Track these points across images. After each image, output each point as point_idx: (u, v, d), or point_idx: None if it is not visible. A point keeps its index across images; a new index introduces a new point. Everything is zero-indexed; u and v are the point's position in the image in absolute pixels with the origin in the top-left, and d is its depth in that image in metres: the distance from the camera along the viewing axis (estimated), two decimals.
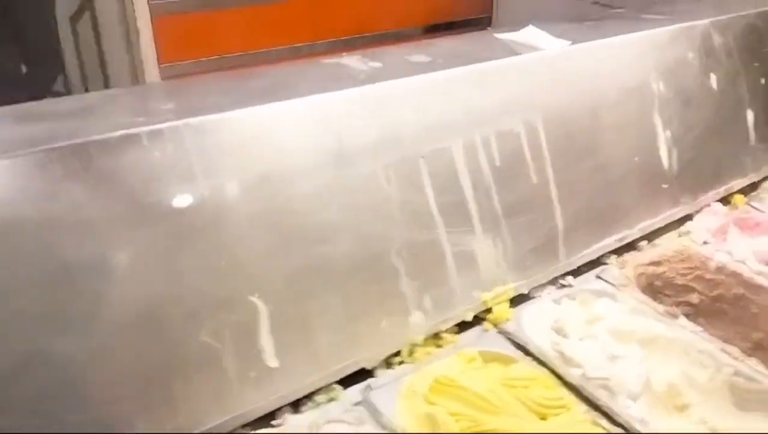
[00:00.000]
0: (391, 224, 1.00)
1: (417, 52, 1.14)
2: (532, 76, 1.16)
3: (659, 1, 1.72)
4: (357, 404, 0.96)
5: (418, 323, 1.03)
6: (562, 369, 0.99)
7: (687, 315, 1.14)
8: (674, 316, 1.13)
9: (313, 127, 0.94)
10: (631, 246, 1.33)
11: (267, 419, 0.92)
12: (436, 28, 3.70)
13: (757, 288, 1.21)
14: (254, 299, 0.88)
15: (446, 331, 1.08)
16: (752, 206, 1.51)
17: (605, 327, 1.09)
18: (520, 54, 1.18)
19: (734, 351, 1.05)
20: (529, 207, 1.16)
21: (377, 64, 1.08)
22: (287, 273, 0.91)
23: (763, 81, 1.56)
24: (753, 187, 1.58)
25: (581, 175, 1.23)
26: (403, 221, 1.01)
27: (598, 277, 1.23)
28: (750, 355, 1.04)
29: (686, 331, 1.08)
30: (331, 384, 0.96)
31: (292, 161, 0.92)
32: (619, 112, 1.27)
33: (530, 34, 1.24)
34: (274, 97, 0.93)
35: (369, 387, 0.99)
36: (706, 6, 1.59)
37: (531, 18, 1.33)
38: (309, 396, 0.95)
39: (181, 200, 0.83)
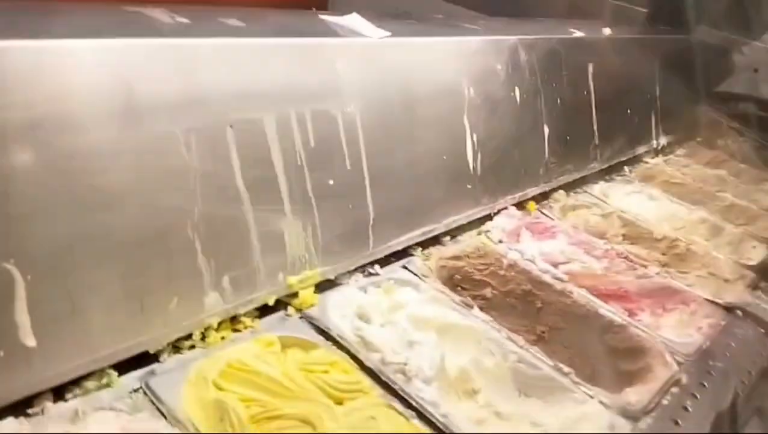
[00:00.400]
0: (189, 196, 0.91)
1: (233, 17, 1.07)
2: (352, 60, 1.15)
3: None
4: (135, 391, 0.85)
5: (214, 305, 0.95)
6: (361, 354, 0.98)
7: (481, 307, 1.19)
8: (469, 307, 1.18)
9: (99, 73, 0.82)
10: (436, 240, 1.37)
11: (22, 407, 0.78)
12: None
13: (543, 285, 1.32)
14: (9, 266, 0.74)
15: (245, 315, 1.01)
16: (542, 213, 1.65)
17: (406, 314, 1.11)
18: (343, 37, 1.16)
19: (519, 340, 1.12)
20: (342, 192, 1.14)
21: (185, 20, 0.98)
22: (55, 240, 0.78)
23: (558, 101, 1.72)
24: (544, 196, 1.73)
25: (394, 166, 1.24)
26: (204, 194, 0.92)
27: (404, 267, 1.25)
28: (533, 345, 1.12)
29: (478, 321, 1.14)
30: (105, 368, 0.84)
31: (71, 110, 0.79)
32: (432, 109, 1.31)
33: (354, 20, 1.23)
34: (54, 33, 0.80)
35: (153, 372, 0.89)
36: (517, 25, 1.72)
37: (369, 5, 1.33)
38: (77, 382, 0.83)
39: None
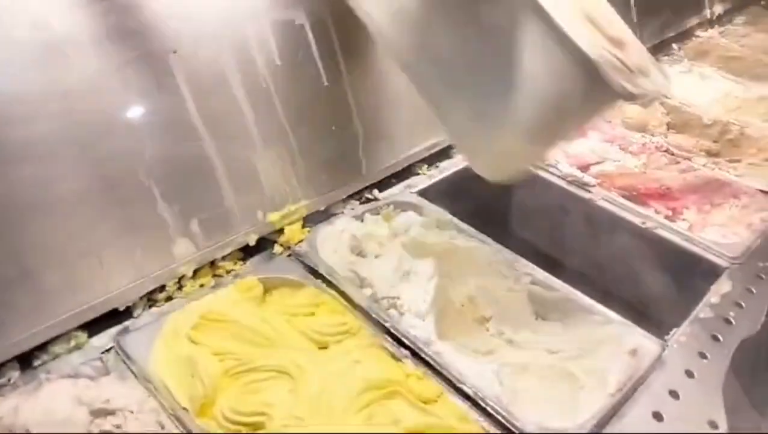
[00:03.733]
0: (135, 137, 0.82)
1: None
2: None
3: None
4: (107, 351, 0.80)
5: (185, 253, 0.88)
6: (351, 291, 0.89)
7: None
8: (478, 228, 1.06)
9: (13, 11, 0.72)
10: (444, 153, 1.24)
11: None
12: None
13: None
14: None
15: (225, 258, 0.94)
16: None
17: (405, 241, 1.00)
18: None
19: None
20: (323, 113, 1.02)
21: None
22: None
23: None
24: None
25: (383, 75, 1.10)
26: (152, 133, 0.83)
27: (408, 188, 1.14)
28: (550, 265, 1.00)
29: (487, 242, 1.02)
30: (72, 331, 0.80)
31: None
32: None
33: None
34: None
35: (126, 329, 0.84)
36: None
37: None
38: (45, 348, 0.79)
39: None
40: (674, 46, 1.87)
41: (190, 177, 0.87)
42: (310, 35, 0.98)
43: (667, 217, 1.24)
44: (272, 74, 0.94)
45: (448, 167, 1.22)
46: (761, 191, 1.25)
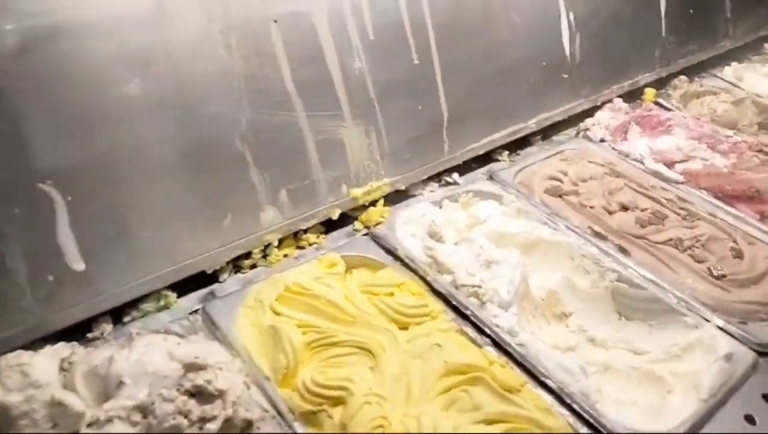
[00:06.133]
0: (233, 103, 0.82)
1: None
2: None
3: None
4: (194, 313, 0.82)
5: (272, 221, 0.88)
6: (431, 276, 0.88)
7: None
8: (562, 220, 1.03)
9: None
10: (525, 141, 1.22)
11: (84, 330, 0.77)
12: None
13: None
14: (46, 187, 0.70)
15: (308, 231, 0.94)
16: (658, 103, 1.42)
17: (485, 230, 0.99)
18: None
19: (618, 256, 0.97)
20: (410, 91, 1.00)
21: None
22: (92, 158, 0.73)
23: None
24: (661, 83, 1.48)
25: (471, 57, 1.07)
26: (250, 100, 0.83)
27: (487, 176, 1.12)
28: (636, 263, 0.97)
29: (572, 235, 0.99)
30: (161, 290, 0.81)
31: (89, 14, 0.71)
32: None
33: None
34: None
35: (212, 293, 0.85)
36: None
37: None
38: (136, 305, 0.81)
39: None
40: (766, 45, 1.78)
41: (281, 146, 0.87)
42: (404, 11, 0.97)
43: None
44: (365, 49, 0.93)
45: (529, 154, 1.20)
46: None
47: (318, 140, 0.90)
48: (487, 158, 1.16)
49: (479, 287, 0.85)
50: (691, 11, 1.48)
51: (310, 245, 0.94)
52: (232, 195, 0.84)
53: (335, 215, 0.95)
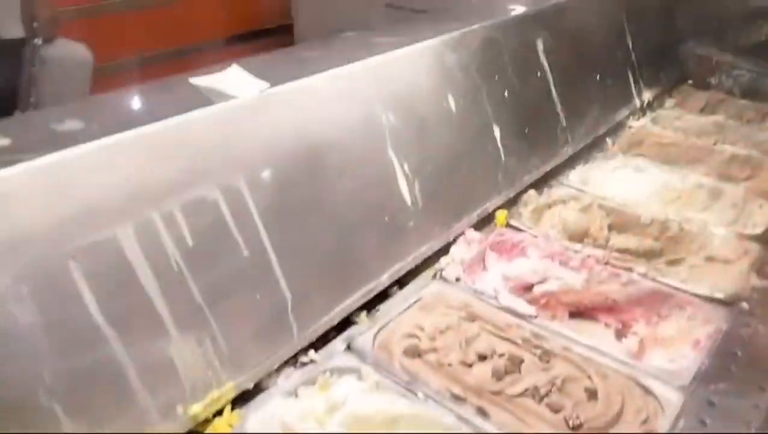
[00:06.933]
0: (33, 357, 0.76)
1: (69, 117, 0.90)
2: (224, 130, 0.97)
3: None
4: None
5: None
6: None
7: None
8: (417, 390, 1.01)
9: None
10: (384, 295, 1.21)
11: None
12: (237, 39, 3.69)
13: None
14: None
15: None
16: (510, 225, 1.46)
17: (343, 416, 0.94)
18: (206, 105, 0.98)
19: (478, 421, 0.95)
20: (243, 285, 0.97)
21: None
22: None
23: (506, 93, 1.52)
24: (514, 202, 1.54)
25: (308, 231, 1.07)
26: (52, 349, 0.77)
27: (346, 344, 1.09)
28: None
29: (431, 404, 0.97)
30: None
31: None
32: (342, 154, 1.13)
33: (229, 77, 1.05)
34: None
35: None
36: (442, 22, 1.51)
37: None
38: None
39: None
40: (608, 141, 1.91)
41: (99, 387, 0.81)
42: (225, 209, 0.95)
43: (617, 331, 1.23)
44: (184, 256, 0.90)
45: (389, 309, 1.19)
46: (706, 297, 1.23)
47: (141, 367, 0.84)
48: (345, 322, 1.14)
49: None
50: (527, 130, 1.57)
51: None
52: None
53: None
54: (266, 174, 1.01)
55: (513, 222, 1.46)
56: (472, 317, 1.15)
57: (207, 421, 0.92)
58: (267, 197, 1.01)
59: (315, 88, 1.10)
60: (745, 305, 1.22)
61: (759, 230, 1.47)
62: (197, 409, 0.90)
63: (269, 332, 1.00)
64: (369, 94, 1.19)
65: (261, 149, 1.01)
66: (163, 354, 0.87)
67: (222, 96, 1.00)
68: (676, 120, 2.10)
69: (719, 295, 1.23)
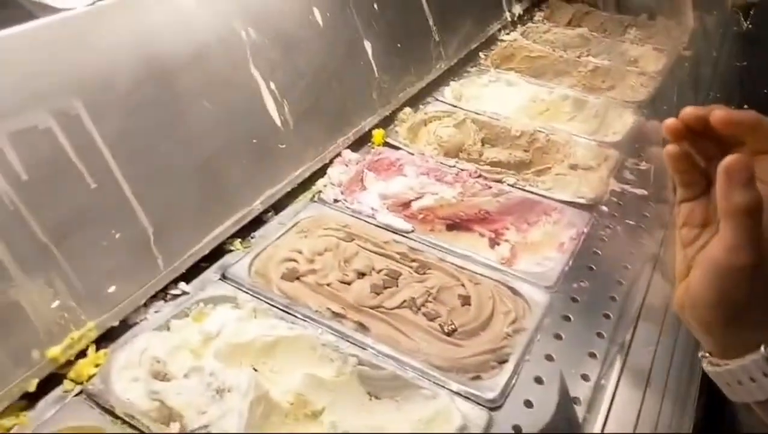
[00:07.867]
0: None
1: None
2: (53, 48, 0.86)
3: None
4: None
5: None
6: (156, 429, 0.79)
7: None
8: (297, 311, 1.00)
9: None
10: (258, 221, 1.16)
11: None
12: None
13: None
14: None
15: (3, 415, 0.80)
16: (387, 143, 1.45)
17: (219, 345, 0.91)
18: (36, 18, 0.85)
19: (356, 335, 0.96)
20: (94, 221, 0.89)
21: None
22: None
23: (375, 6, 1.47)
24: (390, 120, 1.52)
25: (165, 159, 0.99)
26: None
27: (221, 274, 1.04)
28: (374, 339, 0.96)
29: (309, 325, 0.96)
30: None
31: None
32: (200, 73, 1.04)
33: None
34: None
35: None
36: None
37: None
38: None
39: None
40: (481, 55, 1.92)
41: None
42: (63, 137, 0.85)
43: (490, 240, 1.27)
44: (19, 192, 0.80)
45: (265, 234, 1.15)
46: (569, 202, 1.30)
47: None
48: (218, 251, 1.09)
49: (207, 426, 0.78)
50: (399, 45, 1.53)
51: (9, 430, 0.80)
52: None
53: (32, 387, 0.81)
54: (109, 97, 0.91)
55: (390, 140, 1.45)
56: (351, 237, 1.14)
57: (71, 363, 0.86)
58: (112, 122, 0.91)
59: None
60: (604, 208, 1.30)
61: (617, 138, 1.56)
62: (55, 352, 0.83)
63: (131, 267, 0.93)
64: (225, 8, 1.10)
65: (99, 70, 0.90)
66: (7, 299, 0.79)
67: (48, 9, 0.87)
68: (544, 33, 2.15)
69: (581, 200, 1.30)
